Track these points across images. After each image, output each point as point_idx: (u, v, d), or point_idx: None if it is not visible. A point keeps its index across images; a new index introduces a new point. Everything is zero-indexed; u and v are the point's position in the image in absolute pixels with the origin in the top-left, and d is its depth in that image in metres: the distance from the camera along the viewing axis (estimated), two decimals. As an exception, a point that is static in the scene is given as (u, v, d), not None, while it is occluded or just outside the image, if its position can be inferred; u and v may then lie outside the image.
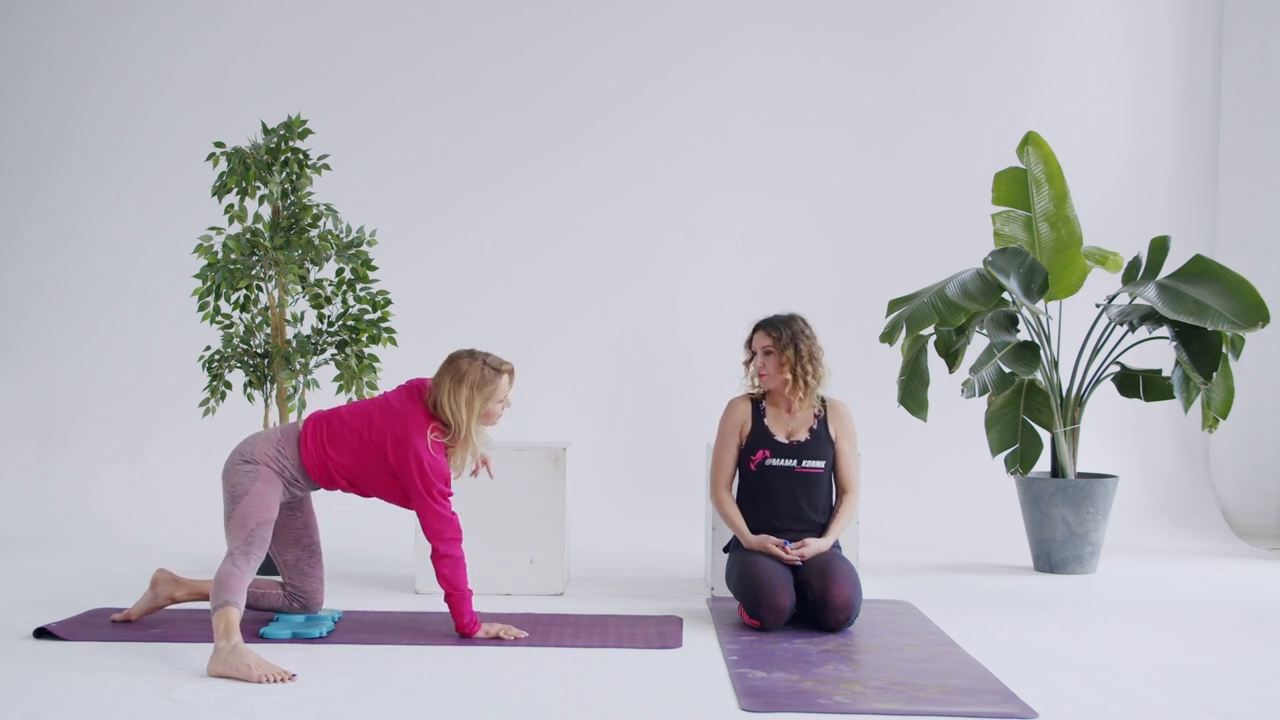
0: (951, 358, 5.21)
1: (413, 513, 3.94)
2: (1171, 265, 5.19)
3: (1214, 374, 4.79)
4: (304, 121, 5.09)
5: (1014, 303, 5.12)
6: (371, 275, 5.14)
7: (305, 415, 4.96)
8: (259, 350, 5.08)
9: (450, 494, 3.68)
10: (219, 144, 5.11)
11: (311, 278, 5.14)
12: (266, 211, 5.26)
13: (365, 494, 3.75)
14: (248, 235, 4.95)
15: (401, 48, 6.71)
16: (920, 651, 3.60)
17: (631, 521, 6.13)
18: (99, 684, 3.14)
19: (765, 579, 3.82)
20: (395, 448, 3.63)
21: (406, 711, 2.91)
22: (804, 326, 4.17)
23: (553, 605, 4.30)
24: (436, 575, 3.65)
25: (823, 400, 4.22)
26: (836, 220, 6.76)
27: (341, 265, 5.11)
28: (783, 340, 4.11)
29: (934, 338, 5.26)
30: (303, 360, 4.96)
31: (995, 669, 3.38)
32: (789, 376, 4.10)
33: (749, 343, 4.23)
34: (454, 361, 3.70)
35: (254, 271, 4.94)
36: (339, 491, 3.81)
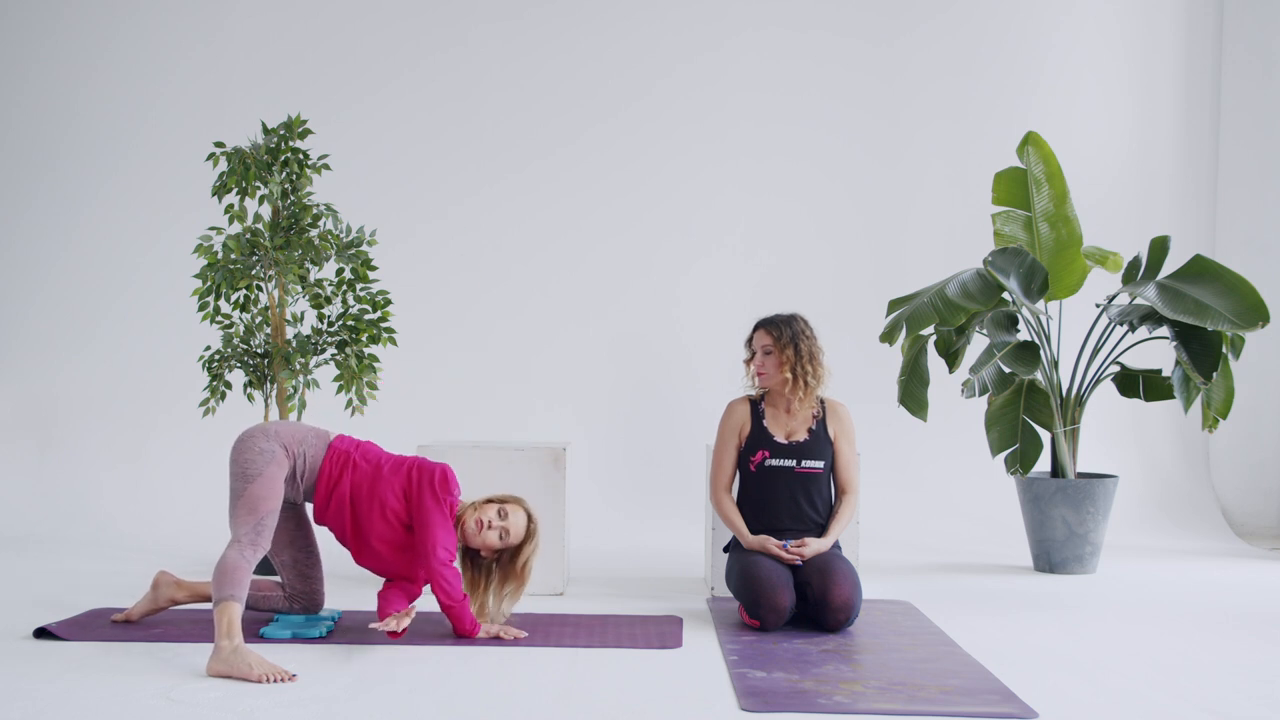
0: (951, 358, 5.21)
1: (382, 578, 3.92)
2: (1171, 265, 5.20)
3: (1214, 374, 4.79)
4: (304, 121, 5.09)
5: (1014, 303, 5.12)
6: (372, 275, 5.14)
7: (304, 416, 4.98)
8: (259, 350, 5.08)
9: (453, 516, 3.70)
10: (219, 144, 5.11)
11: (311, 278, 5.15)
12: (266, 211, 5.27)
13: (359, 523, 3.69)
14: (248, 235, 4.95)
15: (403, 50, 6.72)
16: (920, 651, 3.60)
17: (631, 521, 6.13)
18: (99, 684, 3.14)
19: (765, 579, 3.82)
20: (421, 464, 3.70)
21: (406, 711, 2.91)
22: (804, 326, 4.18)
23: (553, 605, 4.30)
24: (434, 589, 3.61)
25: (821, 401, 4.22)
26: (837, 221, 6.76)
27: (341, 265, 5.11)
28: (783, 339, 4.12)
29: (934, 338, 5.26)
30: (303, 360, 4.96)
31: (995, 669, 3.38)
32: (788, 376, 4.10)
33: (749, 341, 4.24)
34: None
35: (254, 271, 4.95)
36: (327, 528, 3.79)
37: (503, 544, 3.70)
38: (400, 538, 3.70)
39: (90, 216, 6.69)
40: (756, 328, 4.22)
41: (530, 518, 3.73)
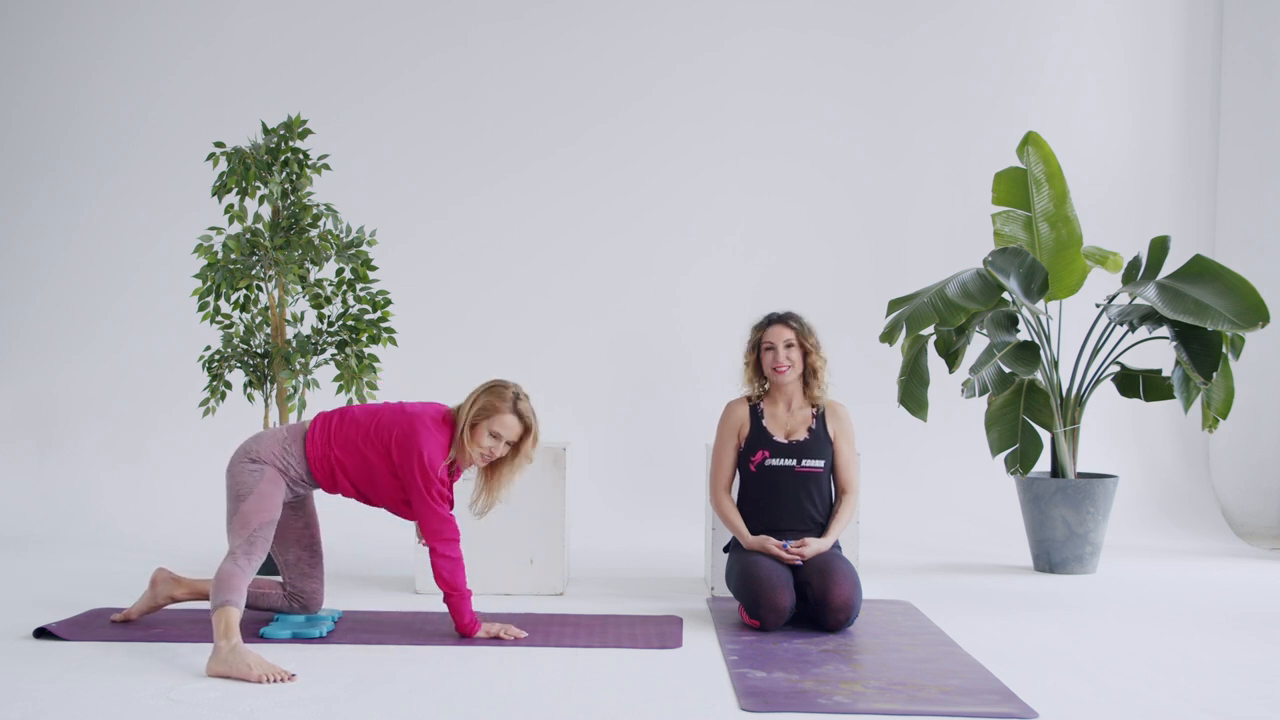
0: (951, 358, 5.21)
1: (413, 523, 3.93)
2: (1171, 265, 5.20)
3: (1214, 374, 4.79)
4: (304, 121, 5.09)
5: (1014, 303, 5.12)
6: (372, 275, 5.14)
7: (306, 415, 4.98)
8: (259, 350, 5.08)
9: (450, 496, 3.69)
10: (219, 144, 5.11)
11: (311, 278, 5.15)
12: (266, 211, 5.27)
13: (367, 497, 3.74)
14: (248, 235, 4.95)
15: (403, 50, 6.72)
16: (920, 651, 3.60)
17: (631, 521, 6.13)
18: (99, 684, 3.14)
19: (765, 579, 3.82)
20: (399, 444, 3.63)
21: (406, 711, 2.91)
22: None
23: (553, 605, 4.30)
24: (435, 576, 3.65)
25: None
26: (837, 221, 6.76)
27: (341, 265, 5.11)
28: (803, 332, 4.15)
29: (934, 338, 5.26)
30: (303, 360, 4.96)
31: (995, 669, 3.38)
32: (811, 368, 4.15)
33: (759, 340, 4.21)
34: (498, 378, 3.77)
35: (254, 271, 4.95)
36: (340, 496, 3.80)
37: (510, 446, 3.73)
38: (408, 511, 3.74)
39: (90, 216, 6.69)
40: (772, 324, 4.20)
41: (519, 415, 3.69)
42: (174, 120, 6.66)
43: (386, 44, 6.72)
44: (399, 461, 3.63)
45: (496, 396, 3.68)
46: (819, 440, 4.15)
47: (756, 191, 6.76)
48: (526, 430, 3.72)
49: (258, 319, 5.10)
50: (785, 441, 4.14)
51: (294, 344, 4.98)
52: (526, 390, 3.77)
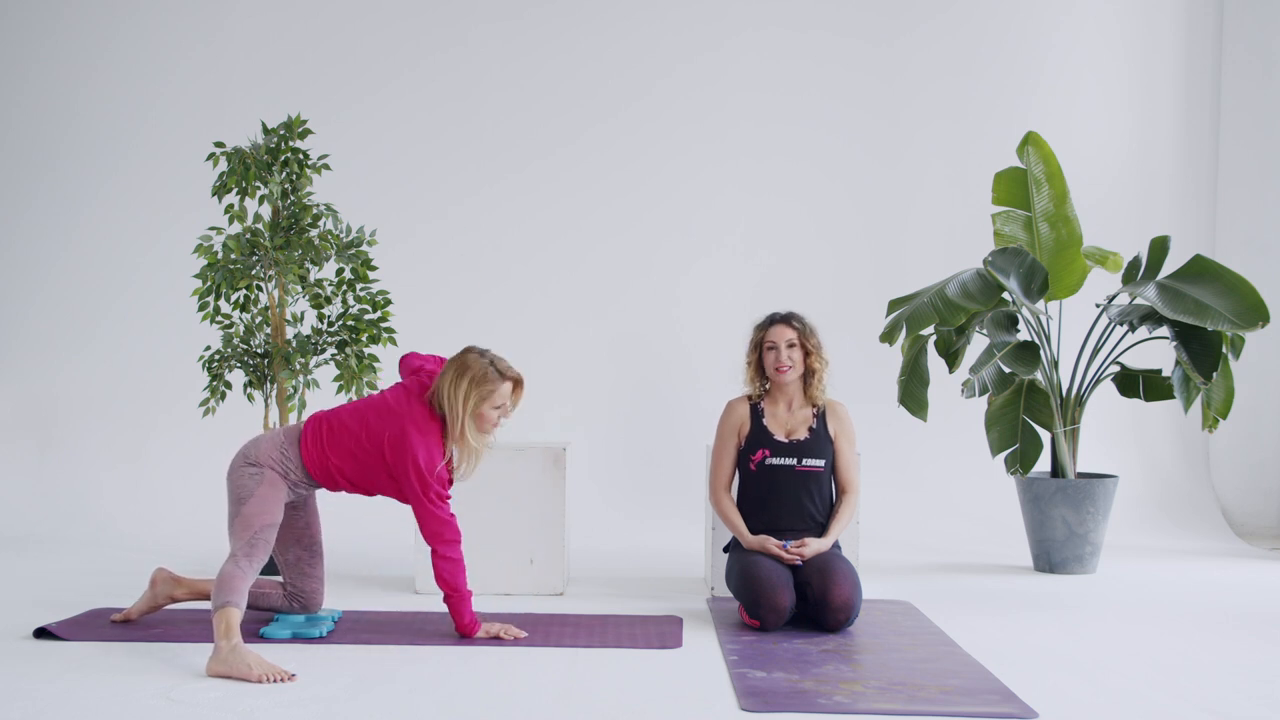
0: (951, 358, 5.21)
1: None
2: (1171, 265, 5.20)
3: (1214, 374, 4.79)
4: (304, 121, 5.09)
5: (1014, 303, 5.12)
6: (372, 275, 5.15)
7: (305, 416, 4.98)
8: (259, 350, 5.08)
9: (448, 495, 3.68)
10: (219, 144, 5.11)
11: (311, 278, 5.15)
12: (266, 211, 5.27)
13: (370, 492, 3.75)
14: (248, 235, 4.95)
15: (403, 50, 6.72)
16: (920, 651, 3.60)
17: (631, 521, 6.13)
18: (99, 684, 3.14)
19: (765, 579, 3.82)
20: (392, 448, 3.62)
21: (406, 711, 2.92)
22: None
23: (553, 605, 4.30)
24: (435, 577, 3.65)
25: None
26: (837, 221, 6.76)
27: (341, 265, 5.11)
28: (805, 331, 4.15)
29: (934, 338, 5.26)
30: (303, 360, 4.96)
31: (995, 669, 3.38)
32: (811, 368, 4.15)
33: (761, 340, 4.22)
34: (463, 354, 3.67)
35: (254, 271, 4.95)
36: (343, 493, 3.80)
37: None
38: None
39: (90, 216, 6.69)
40: (774, 324, 4.21)
41: (506, 376, 3.65)
42: (174, 120, 6.66)
43: (386, 44, 6.72)
44: (393, 462, 3.63)
45: (481, 380, 3.61)
46: (819, 439, 4.16)
47: (756, 191, 6.76)
48: (517, 383, 3.71)
49: (258, 319, 5.10)
50: (786, 440, 4.14)
51: (294, 344, 4.98)
52: (481, 348, 3.70)
